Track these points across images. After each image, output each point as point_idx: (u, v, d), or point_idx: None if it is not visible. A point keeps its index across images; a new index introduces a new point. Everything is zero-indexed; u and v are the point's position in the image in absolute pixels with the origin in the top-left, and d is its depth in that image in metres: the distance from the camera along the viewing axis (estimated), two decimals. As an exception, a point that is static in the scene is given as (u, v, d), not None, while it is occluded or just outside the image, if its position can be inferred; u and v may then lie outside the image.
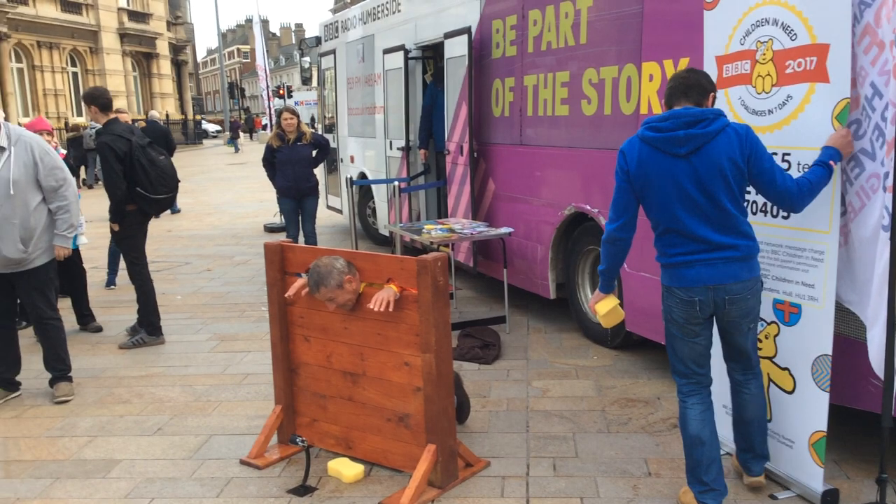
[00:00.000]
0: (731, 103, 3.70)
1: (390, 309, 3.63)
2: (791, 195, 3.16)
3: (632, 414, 4.54)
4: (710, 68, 3.79)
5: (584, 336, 6.00)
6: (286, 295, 4.04)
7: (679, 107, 3.23)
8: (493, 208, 6.95)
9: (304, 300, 4.04)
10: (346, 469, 3.86)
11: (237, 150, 37.40)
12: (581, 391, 4.94)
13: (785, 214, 3.46)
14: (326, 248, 4.71)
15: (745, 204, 3.47)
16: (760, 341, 3.58)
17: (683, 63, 4.64)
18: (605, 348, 5.72)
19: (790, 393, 3.49)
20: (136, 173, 6.01)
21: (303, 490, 3.74)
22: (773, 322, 3.54)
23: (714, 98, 3.32)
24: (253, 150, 34.56)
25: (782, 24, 3.38)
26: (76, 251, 6.68)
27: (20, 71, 33.59)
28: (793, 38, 3.34)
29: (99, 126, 6.14)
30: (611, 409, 4.64)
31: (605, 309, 3.52)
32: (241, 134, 44.60)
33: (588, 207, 5.63)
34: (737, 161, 3.12)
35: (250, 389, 5.16)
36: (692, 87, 3.24)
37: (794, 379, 3.46)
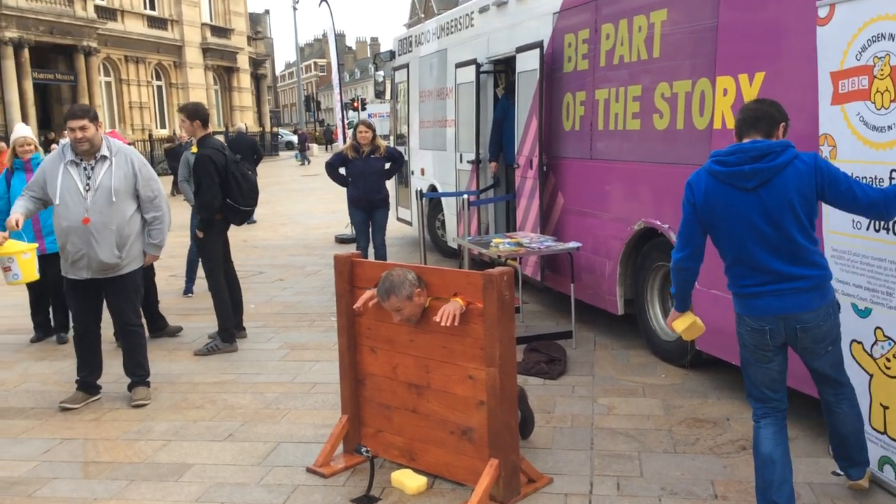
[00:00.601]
0: (848, 119, 3.61)
1: (456, 322, 3.65)
2: (878, 204, 3.15)
3: (699, 434, 4.45)
4: (825, 84, 3.72)
5: (653, 353, 5.90)
6: (354, 306, 4.11)
7: (748, 139, 3.23)
8: (562, 222, 6.92)
9: (371, 312, 4.10)
10: (409, 481, 3.89)
11: (305, 162, 37.54)
12: (648, 409, 4.86)
13: None
14: (394, 262, 4.78)
15: (854, 223, 3.57)
16: (889, 360, 3.50)
17: (759, 78, 4.56)
18: (673, 366, 5.62)
19: None
20: (229, 186, 6.39)
21: (366, 500, 3.79)
22: None
23: (785, 128, 3.28)
24: (327, 161, 35.05)
25: None
26: None
27: (108, 84, 35.12)
28: None
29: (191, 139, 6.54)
30: (678, 428, 4.55)
31: (682, 326, 3.56)
32: (314, 146, 45.44)
33: (658, 223, 5.55)
34: (806, 193, 3.11)
35: (318, 398, 5.26)
36: (761, 118, 3.23)
37: None
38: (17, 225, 5.01)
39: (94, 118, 5.06)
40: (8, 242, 5.38)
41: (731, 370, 5.13)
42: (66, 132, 5.10)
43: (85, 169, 5.04)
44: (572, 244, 6.26)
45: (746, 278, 3.22)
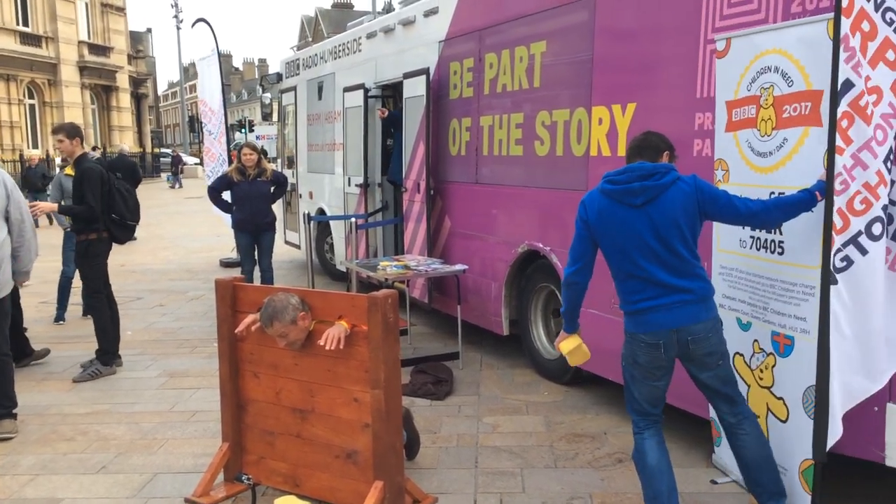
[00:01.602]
0: (739, 146, 3.83)
1: (341, 346, 3.64)
2: (757, 213, 3.37)
3: (579, 449, 4.59)
4: (721, 113, 3.94)
5: (536, 372, 6.05)
6: (236, 331, 4.04)
7: (635, 162, 3.43)
8: (449, 245, 7.02)
9: (254, 336, 4.03)
10: (293, 507, 3.83)
11: (177, 185, 35.77)
12: (531, 426, 4.98)
13: (780, 250, 3.59)
14: (278, 286, 4.71)
15: (741, 242, 3.79)
16: (762, 371, 3.71)
17: (631, 108, 4.80)
18: (555, 384, 5.78)
19: (784, 422, 3.60)
20: (114, 200, 6.28)
21: (248, 528, 3.71)
22: (770, 353, 3.66)
23: (669, 156, 3.51)
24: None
25: (782, 71, 3.55)
26: (15, 286, 6.55)
27: (-24, 101, 33.09)
28: (790, 84, 3.49)
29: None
30: (559, 444, 4.68)
31: (568, 348, 3.67)
32: (199, 168, 44.19)
33: (541, 245, 5.73)
34: (689, 210, 3.32)
35: (198, 427, 5.10)
36: (646, 147, 3.49)
37: (787, 408, 3.59)
38: None
39: None
40: None
41: (609, 386, 5.33)
42: None
43: None
44: (459, 267, 6.36)
45: (638, 293, 3.37)
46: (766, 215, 3.38)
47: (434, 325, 7.73)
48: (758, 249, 3.74)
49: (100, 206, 6.16)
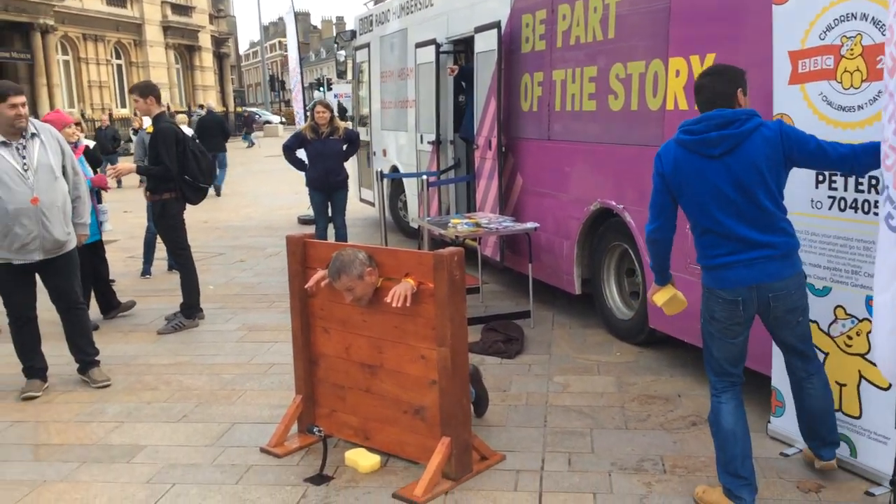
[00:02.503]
0: (809, 98, 3.64)
1: (407, 303, 3.66)
2: (846, 158, 3.19)
3: (651, 411, 4.53)
4: (782, 63, 3.75)
5: (609, 332, 5.97)
6: (306, 286, 4.11)
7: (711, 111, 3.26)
8: (521, 203, 6.95)
9: (324, 292, 4.10)
10: (362, 459, 3.91)
11: (251, 144, 36.02)
12: (602, 387, 4.93)
13: (876, 210, 3.39)
14: (347, 243, 4.73)
15: (814, 203, 3.59)
16: (850, 338, 3.56)
17: (710, 59, 4.60)
18: (628, 344, 5.70)
19: (886, 389, 3.44)
20: (188, 161, 6.39)
21: (319, 479, 3.80)
22: (865, 318, 3.48)
23: (743, 91, 3.29)
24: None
25: (872, 18, 3.33)
26: (100, 241, 6.83)
27: (66, 63, 34.38)
28: (884, 32, 3.26)
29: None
30: (630, 405, 4.62)
31: (663, 299, 3.60)
32: (280, 127, 44.92)
33: (614, 203, 5.60)
34: (773, 158, 3.15)
35: (274, 379, 5.25)
36: (715, 99, 3.25)
37: None
38: None
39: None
40: None
41: (684, 348, 5.22)
42: None
43: (17, 149, 4.86)
44: (530, 224, 6.30)
45: (716, 248, 3.25)
46: (855, 161, 3.18)
47: (505, 283, 7.71)
48: (842, 210, 3.54)
49: (175, 167, 6.31)
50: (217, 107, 39.56)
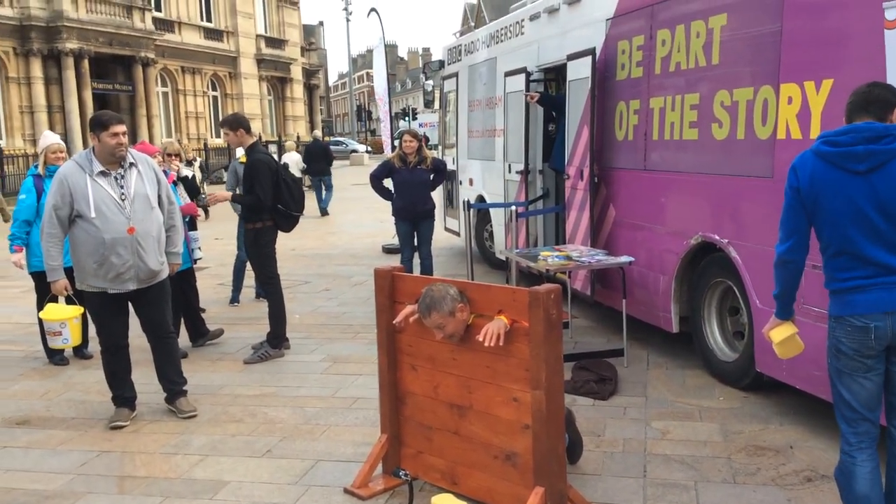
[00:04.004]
0: None
1: (500, 343, 3.47)
2: None
3: (761, 464, 4.17)
4: None
5: (710, 374, 5.61)
6: (394, 321, 3.96)
7: (860, 122, 2.96)
8: (614, 235, 6.67)
9: (412, 328, 3.94)
10: (449, 506, 3.71)
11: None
12: (705, 435, 4.59)
13: None
14: (437, 277, 4.59)
15: None
16: None
17: (826, 85, 4.28)
18: (732, 388, 5.33)
19: None
20: (280, 191, 6.41)
21: (405, 525, 3.62)
22: None
23: None
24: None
25: None
26: (190, 269, 6.89)
27: (165, 94, 35.82)
28: None
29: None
30: (737, 456, 4.28)
31: (780, 336, 3.23)
32: (365, 155, 45.57)
33: (717, 237, 5.28)
34: None
35: (359, 414, 5.11)
36: (873, 101, 2.97)
37: None
38: (67, 290, 5.11)
39: None
40: (59, 307, 5.40)
41: (795, 395, 4.84)
42: (97, 140, 4.86)
43: (116, 178, 4.91)
44: (624, 258, 6.02)
45: (850, 270, 2.96)
46: None
47: (597, 318, 7.41)
48: None
49: (268, 198, 6.32)
50: (305, 136, 40.60)
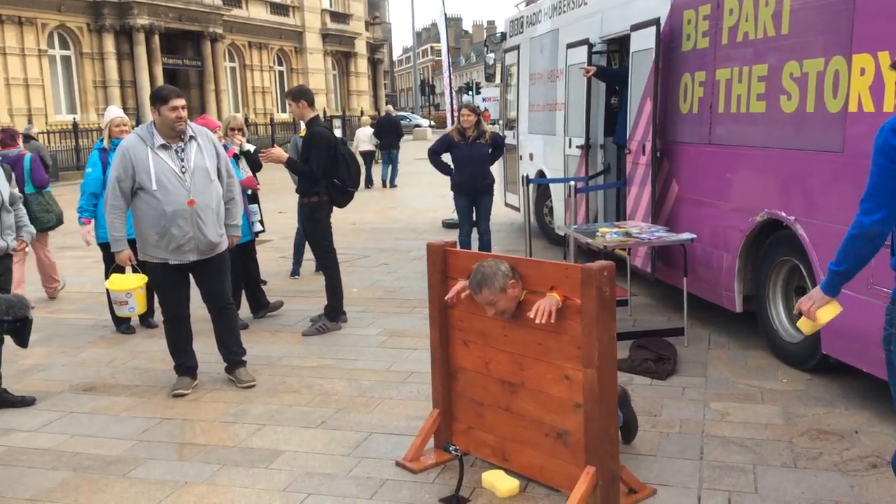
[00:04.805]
0: None
1: (552, 320, 3.41)
2: None
3: (823, 448, 4.03)
4: None
5: (774, 355, 5.45)
6: (446, 297, 3.94)
7: None
8: (676, 211, 6.51)
9: (464, 303, 3.91)
10: (500, 482, 3.70)
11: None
12: (766, 417, 4.46)
13: None
14: (489, 252, 4.53)
15: None
16: None
17: (904, 53, 4.05)
18: (796, 370, 5.16)
19: None
20: (337, 165, 6.42)
21: (455, 500, 3.62)
22: None
23: None
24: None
25: None
26: (251, 241, 6.99)
27: (232, 69, 36.41)
28: None
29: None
30: (799, 440, 4.15)
31: (828, 317, 2.93)
32: (428, 130, 45.55)
33: (783, 214, 5.10)
34: None
35: (413, 388, 5.13)
36: None
37: None
38: (131, 260, 5.25)
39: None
40: (125, 277, 5.53)
41: (862, 378, 4.66)
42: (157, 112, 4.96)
43: (176, 151, 5.00)
44: (686, 235, 5.87)
45: None
46: None
47: (657, 296, 7.27)
48: None
49: (321, 170, 6.34)
50: (369, 111, 40.83)
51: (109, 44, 28.79)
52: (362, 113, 38.66)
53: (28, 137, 13.57)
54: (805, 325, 3.00)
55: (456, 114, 12.06)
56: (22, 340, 4.43)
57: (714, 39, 5.86)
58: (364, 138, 20.17)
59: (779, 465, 3.87)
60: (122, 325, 6.73)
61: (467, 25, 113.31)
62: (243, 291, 7.02)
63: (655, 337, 5.82)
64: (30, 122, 23.20)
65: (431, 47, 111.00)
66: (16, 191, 5.33)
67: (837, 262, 2.87)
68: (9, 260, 5.14)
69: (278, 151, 6.44)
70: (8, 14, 25.34)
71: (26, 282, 7.40)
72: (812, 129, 4.81)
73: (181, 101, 4.96)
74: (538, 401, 3.65)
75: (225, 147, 6.63)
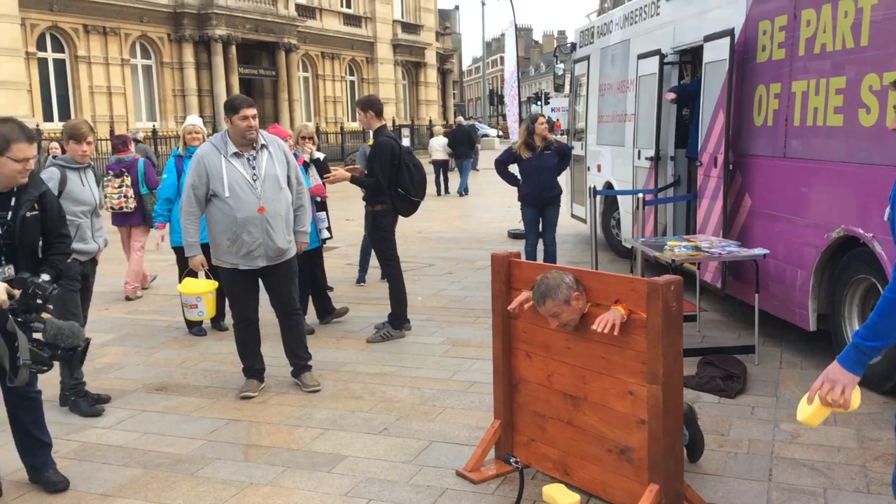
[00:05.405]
0: None
1: (615, 332, 3.38)
2: None
3: (901, 476, 3.87)
4: None
5: (848, 377, 5.25)
6: (509, 307, 3.94)
7: None
8: (748, 226, 6.36)
9: (527, 314, 3.90)
10: (561, 497, 3.67)
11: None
12: (838, 440, 4.31)
13: None
14: (553, 264, 4.50)
15: None
16: None
17: None
18: (872, 392, 4.97)
19: None
20: (402, 174, 6.48)
21: (514, 512, 3.61)
22: None
23: None
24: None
25: None
26: (318, 248, 7.10)
27: (305, 79, 37.09)
28: None
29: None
30: (873, 465, 3.99)
31: (859, 401, 2.47)
32: (496, 140, 45.57)
33: (861, 231, 4.93)
34: None
35: (475, 398, 5.13)
36: None
37: None
38: (203, 265, 5.40)
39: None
40: (196, 282, 5.70)
41: (944, 404, 4.46)
42: (229, 122, 5.10)
43: (248, 159, 5.13)
44: (759, 250, 5.73)
45: None
46: None
47: (727, 312, 7.10)
48: None
49: (386, 180, 6.40)
50: (438, 120, 41.07)
51: (189, 53, 29.70)
52: (431, 123, 39.05)
53: (136, 141, 14.24)
54: (815, 417, 2.50)
55: (515, 125, 12.09)
56: (70, 369, 4.55)
57: (790, 51, 5.72)
58: (438, 147, 20.76)
59: (851, 490, 3.73)
60: (193, 327, 6.92)
61: (537, 35, 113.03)
62: (310, 297, 7.13)
63: (725, 354, 5.69)
64: (112, 129, 24.16)
65: (501, 57, 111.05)
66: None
67: (872, 335, 2.43)
68: (95, 264, 5.33)
69: (341, 173, 6.57)
70: (93, 24, 26.38)
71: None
72: (892, 144, 4.64)
73: (252, 111, 5.09)
74: (601, 415, 3.61)
75: (295, 155, 6.77)
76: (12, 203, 3.73)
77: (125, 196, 8.33)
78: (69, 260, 4.37)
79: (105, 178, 8.38)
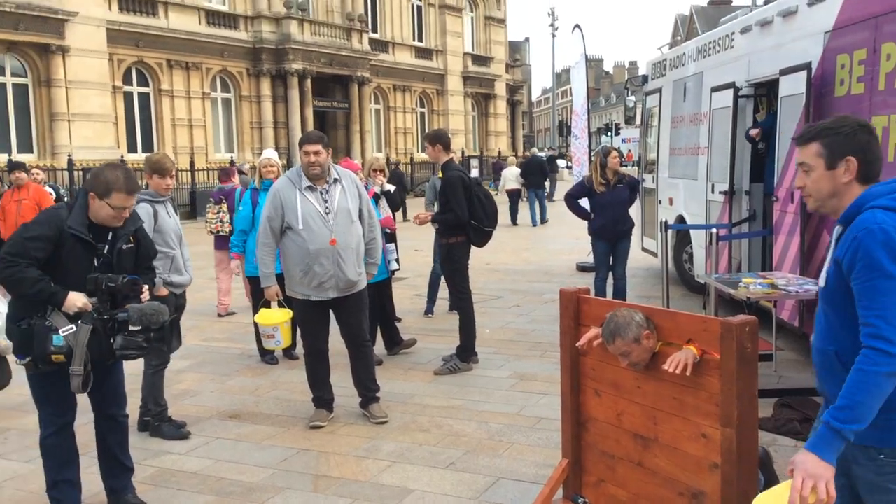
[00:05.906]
0: None
1: (688, 372, 3.32)
2: None
3: None
4: None
5: (936, 423, 5.02)
6: (577, 344, 3.91)
7: None
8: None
9: (596, 352, 3.87)
10: (630, 539, 3.60)
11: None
12: (925, 491, 4.11)
13: None
14: (623, 301, 4.45)
15: None
16: None
17: None
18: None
19: None
20: (473, 206, 6.55)
21: (582, 554, 3.55)
22: None
23: None
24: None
25: None
26: (387, 279, 7.19)
27: (377, 111, 37.79)
28: None
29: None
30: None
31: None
32: (565, 171, 45.41)
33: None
34: None
35: (542, 435, 5.09)
36: None
37: None
38: (278, 295, 5.52)
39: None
40: (272, 312, 5.84)
41: None
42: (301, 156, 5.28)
43: (321, 193, 5.27)
44: (838, 289, 5.54)
45: None
46: None
47: (804, 352, 6.87)
48: None
49: (465, 213, 6.48)
50: (507, 151, 41.19)
51: (266, 87, 30.64)
52: (499, 154, 39.18)
53: (241, 173, 14.86)
54: None
55: (584, 157, 12.05)
56: (168, 347, 4.76)
57: (870, 85, 5.58)
58: (511, 178, 21.00)
59: (940, 546, 3.55)
60: (266, 355, 7.07)
61: (608, 66, 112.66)
62: (378, 328, 7.21)
63: (802, 396, 5.50)
64: (192, 160, 25.03)
65: (570, 88, 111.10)
66: None
67: (856, 417, 2.27)
68: (184, 297, 5.52)
69: (423, 216, 6.83)
70: (177, 60, 27.49)
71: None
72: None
73: (314, 147, 5.23)
74: (672, 458, 3.54)
75: (366, 187, 6.91)
76: (109, 237, 3.92)
77: (221, 221, 8.85)
78: (165, 294, 4.72)
79: (207, 205, 9.17)
